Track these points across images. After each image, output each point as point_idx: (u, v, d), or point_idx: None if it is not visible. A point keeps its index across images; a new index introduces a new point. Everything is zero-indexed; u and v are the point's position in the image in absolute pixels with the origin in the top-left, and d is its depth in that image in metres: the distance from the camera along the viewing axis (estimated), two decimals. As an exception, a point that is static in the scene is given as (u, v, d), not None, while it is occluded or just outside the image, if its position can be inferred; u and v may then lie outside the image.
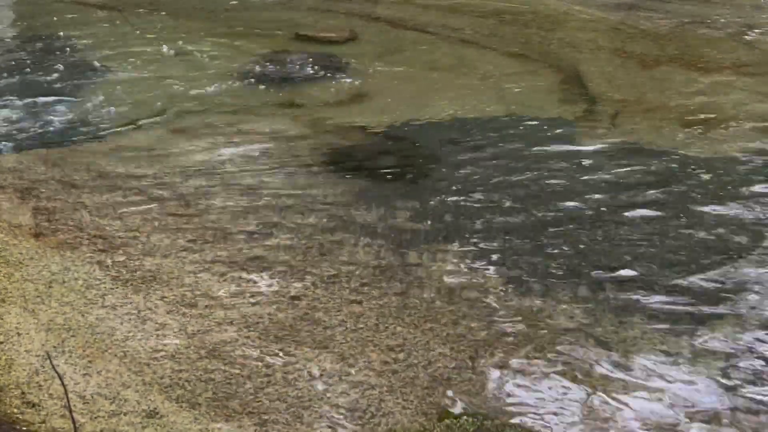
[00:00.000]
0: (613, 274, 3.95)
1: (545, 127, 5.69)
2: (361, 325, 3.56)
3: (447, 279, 3.90)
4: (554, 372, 3.29)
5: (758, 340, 3.50)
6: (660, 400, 3.15)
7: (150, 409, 3.03)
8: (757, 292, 3.81)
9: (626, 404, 3.13)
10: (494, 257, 4.09)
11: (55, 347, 3.32)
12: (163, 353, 3.34)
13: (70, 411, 2.98)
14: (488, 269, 3.99)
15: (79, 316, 3.52)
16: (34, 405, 3.02)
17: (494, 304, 3.72)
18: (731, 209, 4.55)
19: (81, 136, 5.53)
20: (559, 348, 3.43)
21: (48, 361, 3.23)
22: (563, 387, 3.21)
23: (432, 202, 4.62)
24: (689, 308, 3.70)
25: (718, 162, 5.11)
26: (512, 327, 3.57)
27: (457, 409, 3.10)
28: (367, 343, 3.45)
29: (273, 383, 3.20)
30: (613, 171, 4.99)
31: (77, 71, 6.73)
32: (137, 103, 6.09)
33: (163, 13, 8.54)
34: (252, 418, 3.02)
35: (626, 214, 4.49)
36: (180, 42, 7.51)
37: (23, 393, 3.08)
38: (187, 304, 3.65)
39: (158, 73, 6.70)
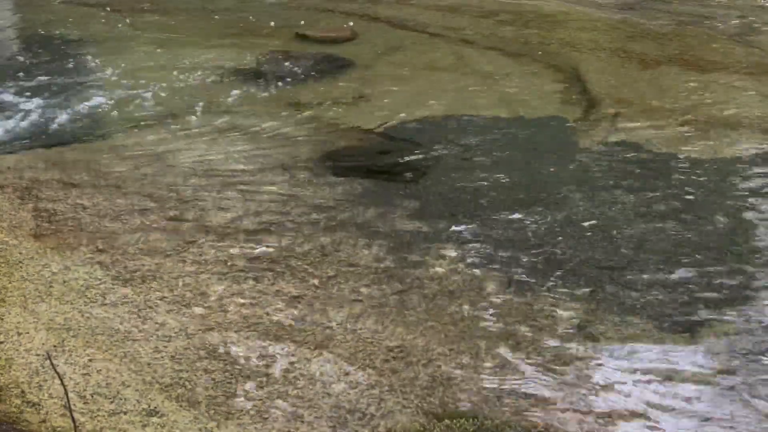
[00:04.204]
0: (612, 274, 3.95)
1: (545, 127, 5.69)
2: (361, 325, 3.56)
3: (447, 279, 3.91)
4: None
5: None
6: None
7: (150, 408, 3.03)
8: (755, 292, 3.82)
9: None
10: (494, 257, 4.09)
11: (55, 347, 3.32)
12: (163, 353, 3.34)
13: (70, 410, 2.98)
14: (488, 269, 3.99)
15: (79, 316, 3.52)
16: (34, 404, 3.03)
17: (495, 304, 3.73)
18: (731, 209, 4.55)
19: (81, 135, 5.54)
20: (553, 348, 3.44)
21: (48, 361, 3.23)
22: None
23: (432, 202, 4.63)
24: (689, 307, 3.71)
25: (718, 162, 5.11)
26: (513, 327, 3.57)
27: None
28: (367, 343, 3.46)
29: (273, 382, 3.21)
30: (613, 171, 5.00)
31: (77, 71, 6.74)
32: (137, 103, 6.10)
33: (163, 13, 8.54)
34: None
35: (627, 214, 4.49)
36: (180, 42, 7.51)
37: (23, 393, 3.08)
38: (187, 304, 3.65)
39: (158, 73, 6.70)
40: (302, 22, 8.09)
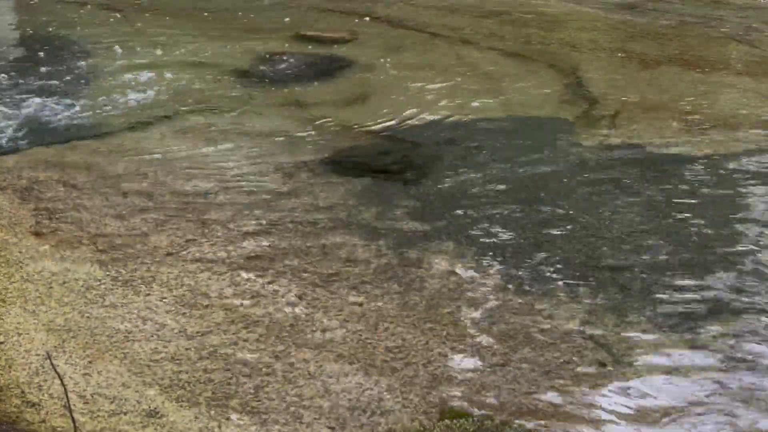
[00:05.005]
0: (612, 273, 3.95)
1: (545, 127, 5.69)
2: (361, 325, 3.56)
3: (447, 278, 3.90)
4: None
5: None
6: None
7: (150, 409, 3.03)
8: (752, 292, 3.82)
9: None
10: (494, 257, 4.09)
11: (55, 347, 3.32)
12: (163, 354, 3.34)
13: (70, 411, 2.98)
14: (488, 269, 3.99)
15: (79, 317, 3.52)
16: (34, 405, 3.03)
17: (494, 304, 3.73)
18: (731, 209, 4.55)
19: (81, 135, 5.53)
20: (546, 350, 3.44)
21: (48, 361, 3.23)
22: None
23: (432, 202, 4.63)
24: (686, 308, 3.71)
25: (717, 162, 5.11)
26: (512, 327, 3.57)
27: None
28: (367, 343, 3.45)
29: (273, 382, 3.21)
30: (612, 171, 5.00)
31: (77, 71, 6.73)
32: (137, 104, 6.09)
33: (163, 13, 8.54)
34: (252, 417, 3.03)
35: (626, 213, 4.49)
36: (180, 42, 7.51)
37: (23, 393, 3.08)
38: (187, 304, 3.65)
39: (158, 73, 6.70)
40: (302, 22, 8.09)
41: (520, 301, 3.75)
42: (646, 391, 3.20)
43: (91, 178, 4.82)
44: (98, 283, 3.78)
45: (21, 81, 6.51)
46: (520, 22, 8.21)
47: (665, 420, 3.06)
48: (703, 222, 4.41)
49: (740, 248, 4.17)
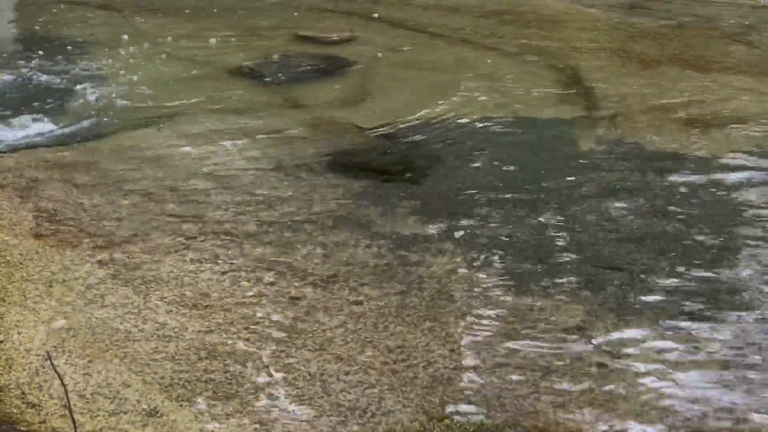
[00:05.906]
0: (612, 273, 3.95)
1: (545, 127, 5.69)
2: (361, 326, 3.56)
3: (447, 279, 3.90)
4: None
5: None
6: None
7: (150, 409, 3.03)
8: (752, 293, 3.82)
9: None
10: (494, 257, 4.09)
11: (55, 347, 3.32)
12: (163, 354, 3.34)
13: (70, 411, 2.98)
14: (488, 268, 3.99)
15: (80, 316, 3.52)
16: (34, 405, 3.03)
17: (495, 303, 3.73)
18: (731, 209, 4.55)
19: (81, 135, 5.54)
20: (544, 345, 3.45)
21: (48, 361, 3.23)
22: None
23: (432, 202, 4.63)
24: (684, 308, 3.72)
25: (717, 162, 5.11)
26: (513, 326, 3.57)
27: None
28: (367, 343, 3.45)
29: (273, 383, 3.21)
30: (612, 171, 5.00)
31: (77, 71, 6.73)
32: (137, 103, 6.10)
33: (163, 13, 8.54)
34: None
35: (627, 214, 4.49)
36: (180, 42, 7.52)
37: (23, 393, 3.08)
38: (187, 305, 3.65)
39: (158, 73, 6.70)
40: (302, 22, 8.10)
41: (520, 301, 3.75)
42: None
43: (91, 178, 4.82)
44: (98, 282, 3.78)
45: (20, 81, 6.51)
46: (520, 22, 8.21)
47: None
48: (702, 222, 4.41)
49: (738, 248, 4.18)
